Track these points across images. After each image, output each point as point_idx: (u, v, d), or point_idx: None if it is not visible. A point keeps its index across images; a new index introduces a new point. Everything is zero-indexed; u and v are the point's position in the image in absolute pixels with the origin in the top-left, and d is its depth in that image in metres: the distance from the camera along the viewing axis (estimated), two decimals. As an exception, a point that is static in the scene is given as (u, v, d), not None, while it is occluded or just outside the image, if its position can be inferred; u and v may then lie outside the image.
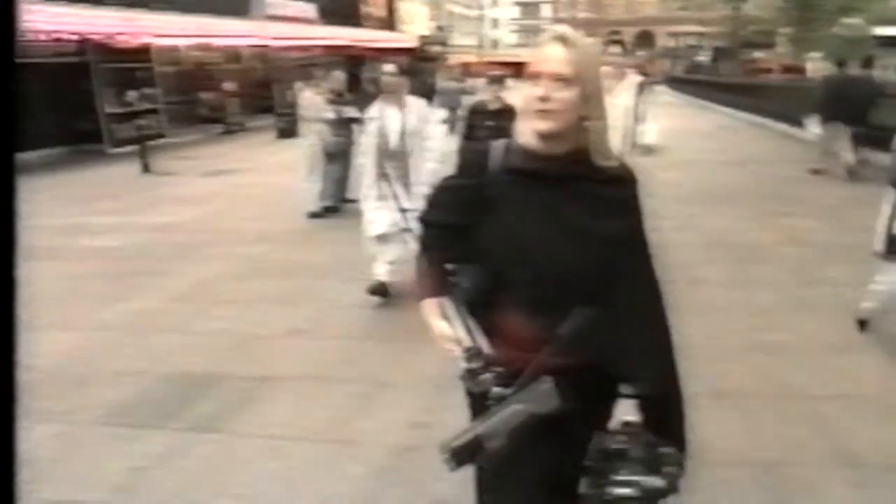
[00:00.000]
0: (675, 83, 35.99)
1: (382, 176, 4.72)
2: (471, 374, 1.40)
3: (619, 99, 4.91)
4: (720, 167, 10.66)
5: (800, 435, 3.01)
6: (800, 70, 25.21)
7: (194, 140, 17.68)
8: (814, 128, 9.69)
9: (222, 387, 3.67)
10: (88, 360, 4.15)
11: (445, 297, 1.56)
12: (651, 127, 5.15)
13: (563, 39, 1.42)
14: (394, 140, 4.67)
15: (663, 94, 32.40)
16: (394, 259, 4.81)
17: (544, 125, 1.41)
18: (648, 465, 1.41)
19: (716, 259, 5.67)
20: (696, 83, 30.54)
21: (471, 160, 1.60)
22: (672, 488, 1.41)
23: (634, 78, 5.27)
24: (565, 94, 1.39)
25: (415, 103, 4.84)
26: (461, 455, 1.30)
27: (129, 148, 15.53)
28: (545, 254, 1.45)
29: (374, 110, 4.76)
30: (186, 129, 18.52)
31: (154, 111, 17.32)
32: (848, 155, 9.18)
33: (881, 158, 9.12)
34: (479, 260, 1.52)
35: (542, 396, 1.33)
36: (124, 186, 11.72)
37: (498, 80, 5.76)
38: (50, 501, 2.69)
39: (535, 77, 1.42)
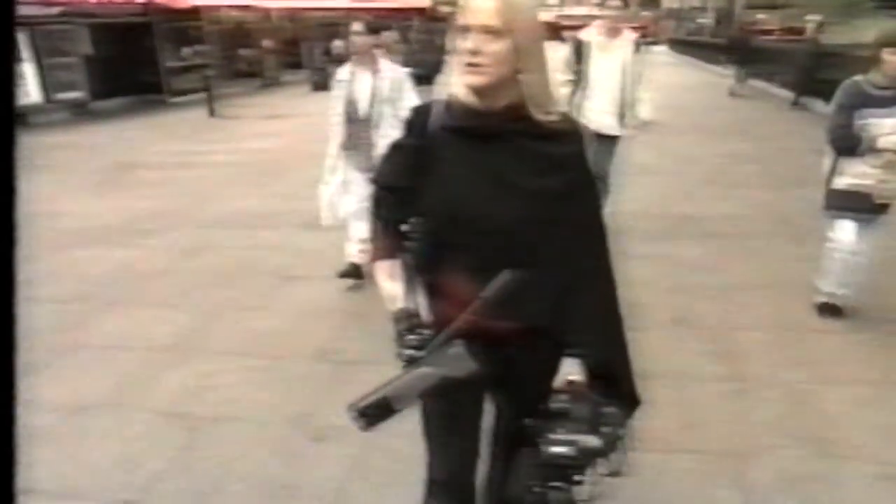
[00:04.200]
0: (677, 45, 37.31)
1: (350, 145, 4.29)
2: (398, 336, 1.38)
3: (614, 57, 4.79)
4: (691, 110, 13.12)
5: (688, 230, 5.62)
6: (800, 32, 25.89)
7: (237, 92, 19.95)
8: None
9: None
10: (275, 209, 6.77)
11: (397, 258, 1.54)
12: (647, 97, 4.96)
13: None
14: (363, 107, 4.18)
15: (663, 55, 34.38)
16: (366, 238, 4.60)
17: (475, 79, 1.36)
18: (588, 424, 1.40)
19: (667, 162, 8.23)
20: (695, 45, 31.82)
21: (413, 120, 1.55)
22: (610, 448, 1.39)
23: (630, 35, 4.93)
24: (495, 47, 1.33)
25: (390, 68, 4.27)
26: (369, 415, 1.28)
27: (184, 98, 18.01)
28: (481, 213, 1.40)
29: (345, 72, 4.27)
30: (229, 82, 20.82)
31: (205, 66, 19.62)
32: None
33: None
34: (423, 222, 1.49)
35: (453, 360, 1.31)
36: (202, 126, 14.21)
37: None
38: (308, 252, 5.33)
39: (465, 30, 1.36)
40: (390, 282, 1.54)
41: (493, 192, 1.40)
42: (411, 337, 1.37)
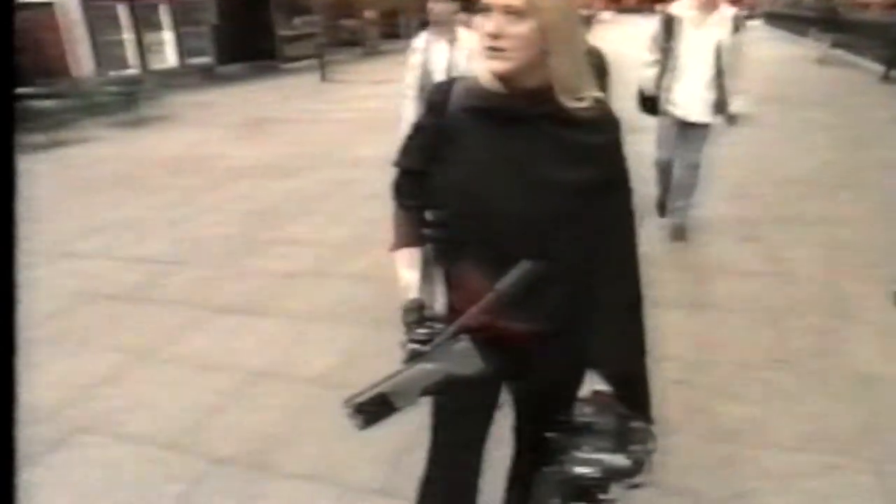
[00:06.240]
0: (772, 18, 36.37)
1: None
2: (407, 328, 1.31)
3: (709, 34, 4.26)
4: (777, 81, 13.54)
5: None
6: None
7: (340, 59, 21.46)
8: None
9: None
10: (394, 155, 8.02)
11: (418, 246, 1.48)
12: (743, 86, 4.42)
13: None
14: (438, 79, 3.69)
15: (758, 29, 33.71)
16: None
17: (498, 65, 1.25)
18: (616, 440, 1.32)
19: (746, 127, 8.95)
20: (790, 18, 31.11)
21: (433, 98, 1.43)
22: (638, 468, 1.31)
23: (728, 10, 4.34)
24: (518, 29, 1.21)
25: (468, 38, 3.86)
26: (367, 412, 1.20)
27: (294, 64, 19.63)
28: (499, 204, 1.30)
29: (421, 41, 4.03)
30: (332, 50, 22.38)
31: (313, 34, 21.20)
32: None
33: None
34: (441, 209, 1.42)
35: (459, 357, 1.23)
36: (316, 89, 15.74)
37: (585, 20, 4.87)
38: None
39: (486, 10, 1.24)
40: (408, 270, 1.47)
41: (513, 181, 1.30)
42: (420, 330, 1.29)
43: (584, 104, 1.29)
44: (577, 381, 1.48)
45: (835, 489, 2.36)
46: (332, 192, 6.60)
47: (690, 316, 3.68)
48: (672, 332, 3.45)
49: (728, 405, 2.87)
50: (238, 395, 3.14)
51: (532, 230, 1.31)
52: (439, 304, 1.46)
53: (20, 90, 10.25)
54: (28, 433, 2.42)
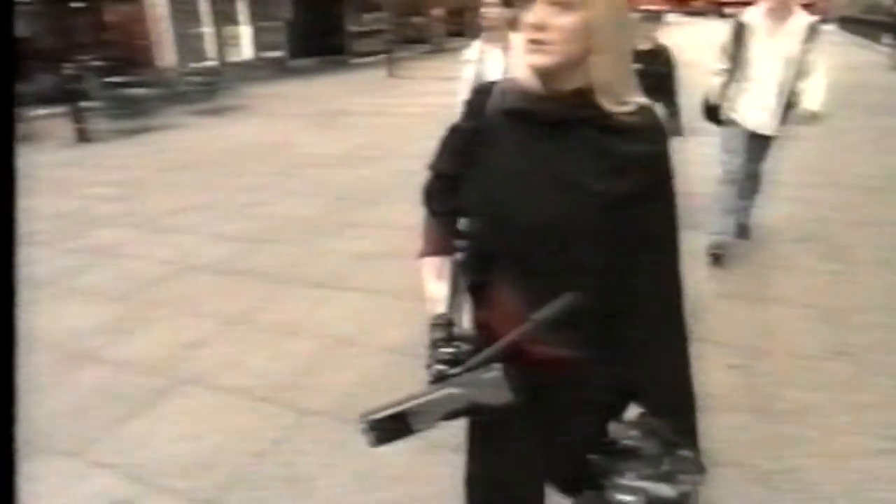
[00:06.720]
0: (847, 23, 35.13)
1: None
2: (433, 345, 1.24)
3: (783, 44, 4.05)
4: (848, 88, 13.10)
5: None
6: None
7: (406, 56, 21.85)
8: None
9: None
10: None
11: (447, 256, 1.40)
12: (817, 85, 4.08)
13: None
14: None
15: (832, 34, 32.57)
16: None
17: (539, 59, 1.17)
18: (662, 468, 1.23)
19: (812, 131, 8.82)
20: (865, 23, 30.02)
21: (473, 101, 1.36)
22: (684, 501, 1.22)
23: (804, 17, 4.10)
24: (563, 21, 1.14)
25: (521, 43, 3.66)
26: (382, 431, 1.14)
27: (362, 59, 20.13)
28: (529, 212, 1.22)
29: (473, 51, 3.89)
30: (400, 46, 22.83)
31: (382, 31, 21.69)
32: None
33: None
34: (471, 217, 1.34)
35: (488, 386, 1.16)
36: (383, 84, 16.16)
37: (653, 17, 4.87)
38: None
39: (531, 1, 1.16)
40: (436, 282, 1.39)
41: (545, 188, 1.22)
42: (446, 350, 1.22)
43: (627, 108, 1.20)
44: (616, 411, 1.37)
45: (885, 470, 2.48)
46: (401, 181, 6.88)
47: (752, 308, 3.80)
48: (733, 322, 3.59)
49: (785, 390, 3.01)
50: (323, 357, 3.45)
51: (562, 242, 1.21)
52: (465, 320, 1.39)
53: (113, 79, 11.04)
54: (140, 383, 2.84)
